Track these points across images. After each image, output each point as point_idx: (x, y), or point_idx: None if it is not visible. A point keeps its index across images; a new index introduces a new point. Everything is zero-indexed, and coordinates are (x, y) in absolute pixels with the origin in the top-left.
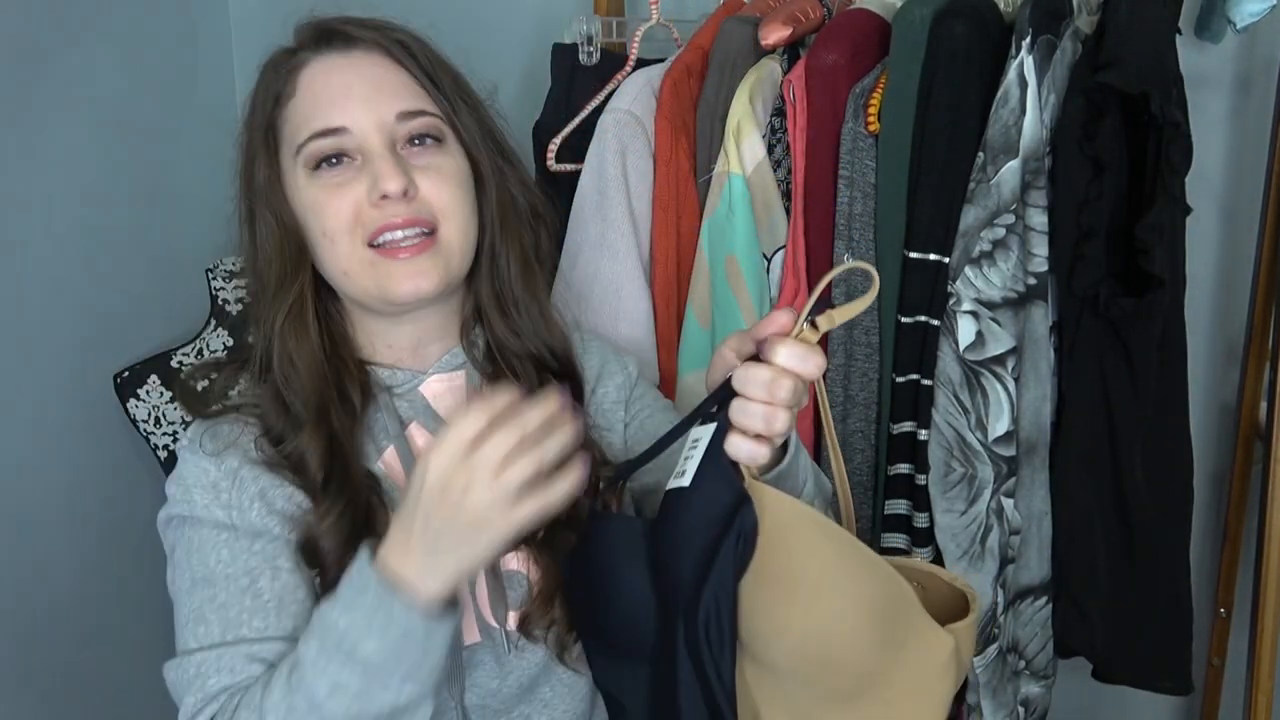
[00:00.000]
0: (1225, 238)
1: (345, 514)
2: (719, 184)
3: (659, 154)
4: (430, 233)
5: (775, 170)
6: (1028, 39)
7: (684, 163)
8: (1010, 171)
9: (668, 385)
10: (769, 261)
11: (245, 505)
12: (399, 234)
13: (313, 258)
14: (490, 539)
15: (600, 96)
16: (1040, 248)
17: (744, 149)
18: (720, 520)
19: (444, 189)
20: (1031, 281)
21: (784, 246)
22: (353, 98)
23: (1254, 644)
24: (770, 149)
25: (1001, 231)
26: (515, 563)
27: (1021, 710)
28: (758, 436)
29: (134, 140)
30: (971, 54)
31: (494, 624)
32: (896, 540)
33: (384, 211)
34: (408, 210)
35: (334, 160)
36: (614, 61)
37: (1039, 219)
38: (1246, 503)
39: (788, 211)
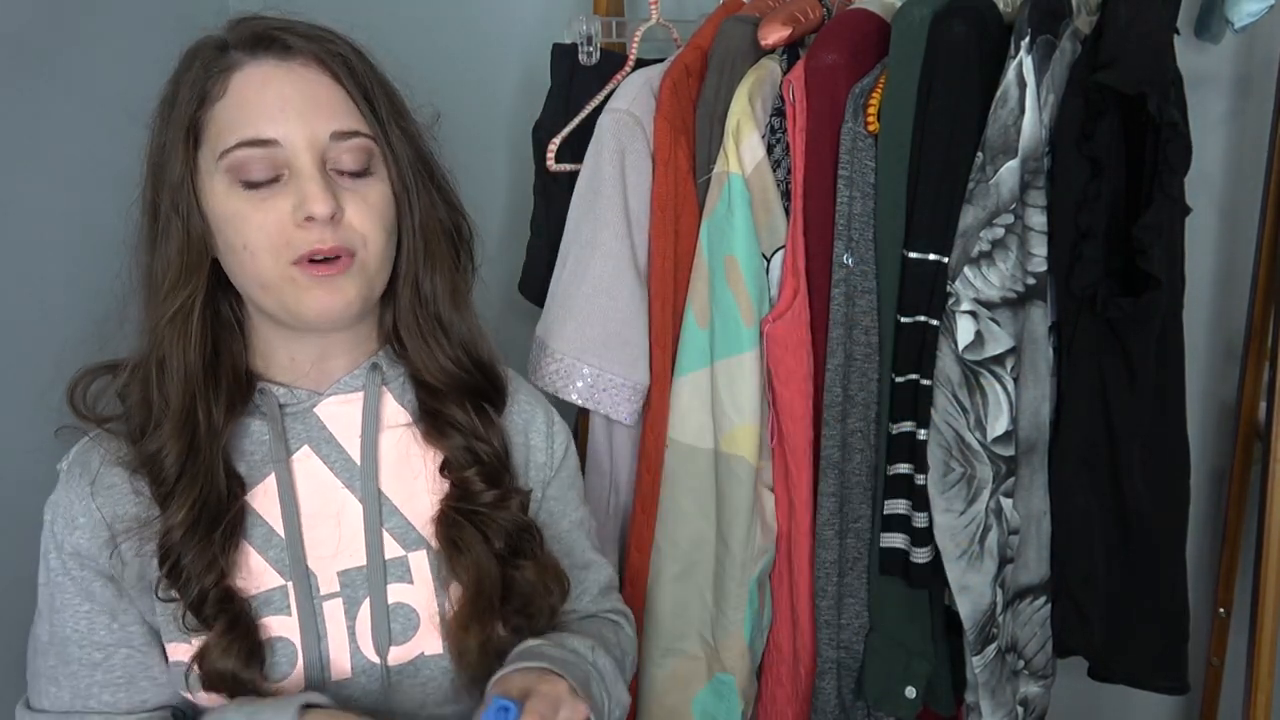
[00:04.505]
0: (1225, 238)
1: (195, 505)
2: (718, 184)
3: (658, 154)
4: (349, 256)
5: (775, 170)
6: (1027, 39)
7: (683, 163)
8: (1009, 171)
9: (661, 386)
10: (768, 261)
11: (96, 551)
12: (321, 256)
13: (223, 266)
14: None
15: (600, 96)
16: (1039, 248)
17: (743, 149)
18: None
19: (368, 216)
20: (1030, 281)
21: (783, 246)
22: (287, 110)
23: (1253, 644)
24: (770, 149)
25: (1000, 231)
26: (404, 595)
27: (1020, 710)
28: None
29: (134, 140)
30: (971, 54)
31: (375, 659)
32: (896, 540)
33: (309, 235)
34: (333, 237)
35: (260, 183)
36: (614, 61)
37: (1038, 219)
38: (1246, 502)
39: (787, 211)
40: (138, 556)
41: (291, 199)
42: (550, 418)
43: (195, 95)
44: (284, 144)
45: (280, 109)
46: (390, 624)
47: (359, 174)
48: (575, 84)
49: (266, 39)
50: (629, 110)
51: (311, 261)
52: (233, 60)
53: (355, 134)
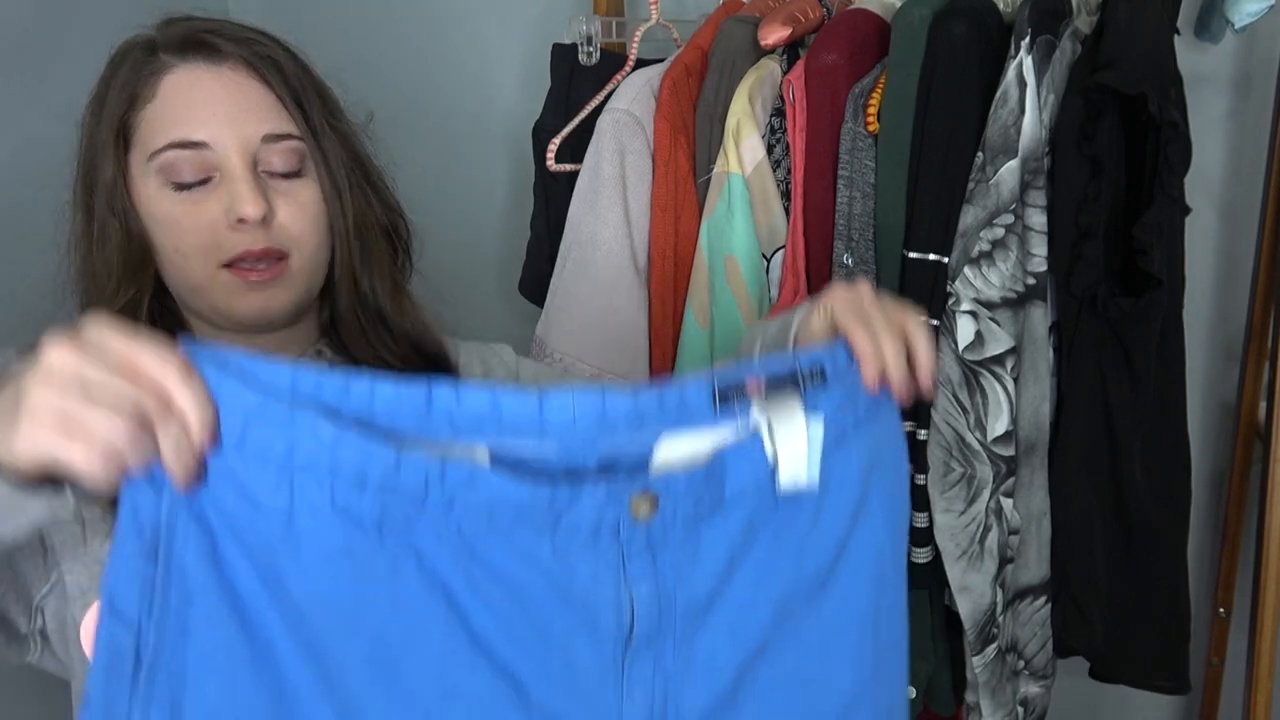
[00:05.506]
0: (1225, 238)
1: None
2: (718, 184)
3: (658, 154)
4: (282, 259)
5: (775, 170)
6: (1026, 39)
7: (683, 163)
8: (1009, 171)
9: None
10: (768, 262)
11: None
12: (253, 258)
13: (157, 267)
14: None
15: (600, 97)
16: (1039, 248)
17: (743, 149)
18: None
19: (300, 218)
20: (1030, 281)
21: (783, 247)
22: (217, 114)
23: (1253, 644)
24: (770, 149)
25: (1000, 231)
26: None
27: (1021, 710)
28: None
29: None
30: (971, 54)
31: None
32: None
33: (241, 236)
34: (265, 239)
35: (191, 185)
36: (614, 62)
37: (1038, 219)
38: (1246, 502)
39: (787, 212)
40: (76, 553)
41: (223, 201)
42: (482, 345)
43: (125, 97)
44: (214, 146)
45: (210, 112)
46: None
47: (290, 175)
48: (575, 84)
49: (196, 42)
50: (629, 110)
51: (243, 267)
52: (162, 63)
53: (287, 136)
